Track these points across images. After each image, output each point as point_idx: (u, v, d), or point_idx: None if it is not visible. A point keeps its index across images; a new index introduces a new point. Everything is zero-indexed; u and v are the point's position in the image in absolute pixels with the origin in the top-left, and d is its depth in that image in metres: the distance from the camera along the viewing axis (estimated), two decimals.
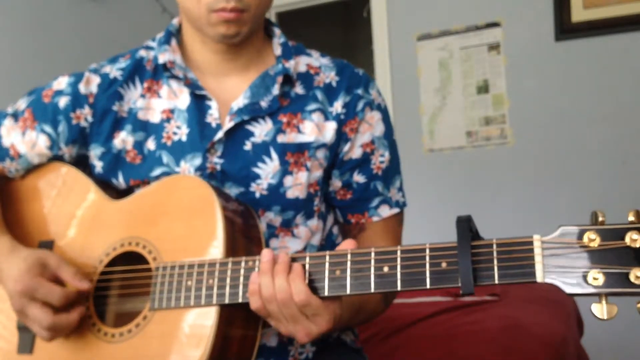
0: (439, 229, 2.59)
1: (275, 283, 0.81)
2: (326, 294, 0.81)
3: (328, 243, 1.10)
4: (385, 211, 1.08)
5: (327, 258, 0.82)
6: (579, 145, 2.92)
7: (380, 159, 1.07)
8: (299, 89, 1.05)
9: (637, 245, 0.67)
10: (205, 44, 1.04)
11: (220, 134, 1.00)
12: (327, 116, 1.04)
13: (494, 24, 3.07)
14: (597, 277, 0.67)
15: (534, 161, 3.00)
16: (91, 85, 1.05)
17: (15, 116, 1.08)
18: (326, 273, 0.81)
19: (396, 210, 1.09)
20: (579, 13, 2.89)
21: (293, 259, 0.83)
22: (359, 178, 1.06)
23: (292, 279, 0.81)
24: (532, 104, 3.00)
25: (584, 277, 0.68)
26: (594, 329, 2.14)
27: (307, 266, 0.82)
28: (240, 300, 0.86)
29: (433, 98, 3.20)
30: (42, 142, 1.06)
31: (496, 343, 1.57)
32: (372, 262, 0.80)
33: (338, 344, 1.11)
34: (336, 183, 1.07)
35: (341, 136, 1.05)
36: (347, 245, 0.83)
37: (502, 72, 3.06)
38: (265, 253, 0.83)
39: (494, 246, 0.73)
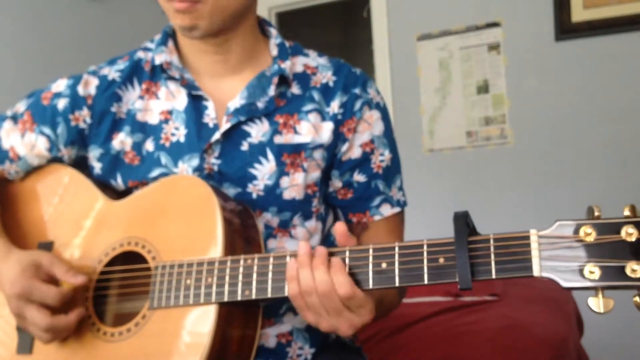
0: (438, 229, 2.58)
1: (315, 276, 0.80)
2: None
3: (327, 245, 1.09)
4: (387, 210, 1.08)
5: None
6: (579, 145, 2.92)
7: (380, 158, 1.07)
8: (295, 90, 1.05)
9: (633, 239, 0.67)
10: (192, 44, 1.04)
11: (217, 135, 1.00)
12: (323, 116, 1.04)
13: (494, 24, 3.07)
14: (593, 270, 0.68)
15: (534, 161, 3.00)
16: (89, 87, 1.05)
17: (15, 118, 1.09)
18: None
19: (397, 209, 1.09)
20: (579, 13, 2.89)
21: (331, 253, 0.83)
22: (359, 177, 1.06)
23: (333, 272, 0.80)
24: (532, 104, 3.00)
25: (581, 271, 0.69)
26: (594, 329, 2.14)
27: (347, 260, 0.82)
28: (239, 298, 0.86)
29: (433, 98, 3.20)
30: (41, 143, 1.06)
31: (496, 343, 1.57)
32: (371, 258, 0.80)
33: (337, 344, 1.11)
34: (336, 183, 1.07)
35: (338, 136, 1.04)
36: (339, 227, 0.83)
37: (502, 72, 3.06)
38: (303, 245, 0.82)
39: (491, 241, 0.74)
